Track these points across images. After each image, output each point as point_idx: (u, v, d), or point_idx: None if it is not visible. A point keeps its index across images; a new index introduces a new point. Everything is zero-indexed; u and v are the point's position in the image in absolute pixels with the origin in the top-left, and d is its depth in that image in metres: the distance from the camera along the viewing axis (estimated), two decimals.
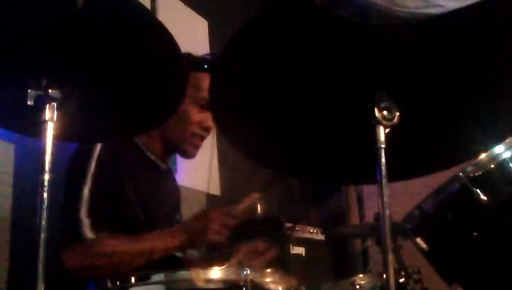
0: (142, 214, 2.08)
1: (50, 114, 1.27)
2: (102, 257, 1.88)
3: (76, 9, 1.20)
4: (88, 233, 1.88)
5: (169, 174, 2.37)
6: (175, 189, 2.40)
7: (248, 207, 2.13)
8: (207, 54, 2.34)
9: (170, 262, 2.02)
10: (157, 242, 1.97)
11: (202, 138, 2.26)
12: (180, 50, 1.30)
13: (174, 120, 2.02)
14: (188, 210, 2.91)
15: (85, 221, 1.88)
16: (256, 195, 2.15)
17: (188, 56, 2.16)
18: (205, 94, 2.07)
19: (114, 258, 1.90)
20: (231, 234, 2.03)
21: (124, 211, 2.03)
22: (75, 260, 1.88)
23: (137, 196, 2.07)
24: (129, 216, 2.04)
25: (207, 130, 2.23)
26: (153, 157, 2.22)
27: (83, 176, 1.94)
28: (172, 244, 1.99)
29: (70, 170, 2.01)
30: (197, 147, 2.27)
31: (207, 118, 2.18)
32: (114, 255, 1.90)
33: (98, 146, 1.98)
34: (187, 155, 2.28)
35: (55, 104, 1.28)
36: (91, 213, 1.90)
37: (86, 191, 1.92)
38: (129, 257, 1.91)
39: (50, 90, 1.28)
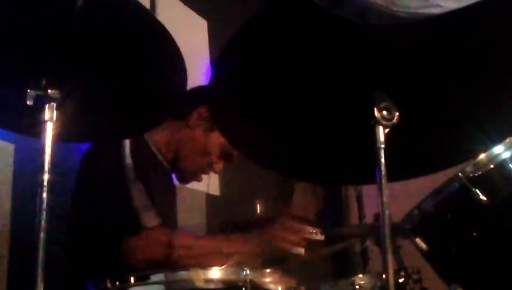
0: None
1: (50, 114, 1.27)
2: (181, 248, 1.89)
3: (76, 9, 1.20)
4: (151, 221, 1.90)
5: (170, 173, 2.38)
6: (174, 188, 2.43)
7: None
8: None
9: None
10: (237, 244, 1.98)
11: (207, 172, 2.32)
12: (179, 49, 1.30)
13: (189, 145, 2.20)
14: (188, 210, 2.91)
15: (143, 211, 1.91)
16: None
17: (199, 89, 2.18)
18: None
19: (193, 250, 1.92)
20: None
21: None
22: (145, 251, 1.89)
23: (149, 196, 2.07)
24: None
25: (230, 156, 2.28)
26: (160, 157, 2.25)
27: (122, 167, 1.98)
28: (251, 249, 1.98)
29: (104, 164, 2.03)
30: (198, 179, 2.33)
31: (219, 164, 2.27)
32: (194, 247, 1.93)
33: (127, 143, 2.02)
34: (181, 180, 2.34)
35: (55, 104, 1.28)
36: (144, 204, 1.92)
37: (132, 183, 1.96)
38: (206, 252, 1.94)
39: (49, 90, 1.28)
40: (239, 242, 1.99)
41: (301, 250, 2.03)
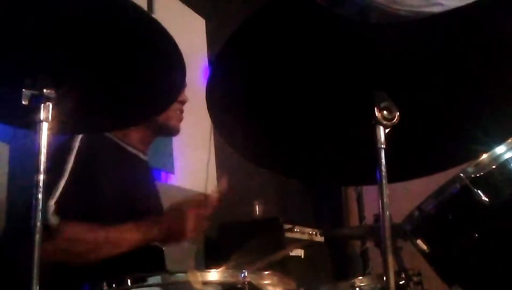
0: (123, 207, 2.09)
1: (45, 114, 1.26)
2: (65, 242, 1.86)
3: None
4: (52, 219, 1.85)
5: (148, 166, 2.39)
6: (154, 180, 2.43)
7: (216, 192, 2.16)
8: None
9: (150, 254, 2.04)
10: (127, 233, 1.98)
11: (181, 111, 2.33)
12: (177, 47, 1.29)
13: None
14: None
15: (51, 207, 1.86)
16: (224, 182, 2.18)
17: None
18: None
19: (76, 244, 1.90)
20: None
21: (102, 205, 2.03)
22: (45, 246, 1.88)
23: (118, 190, 2.08)
24: (108, 210, 2.04)
25: (183, 103, 2.31)
26: (130, 149, 2.25)
27: (63, 170, 1.95)
28: (142, 236, 1.99)
29: (50, 163, 2.01)
30: (180, 120, 2.34)
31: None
32: (77, 241, 1.91)
33: (78, 141, 2.00)
34: (175, 131, 2.34)
35: (50, 104, 1.26)
36: (59, 200, 1.89)
37: (62, 183, 1.92)
38: (93, 245, 1.92)
39: (45, 90, 1.26)
40: (130, 230, 1.99)
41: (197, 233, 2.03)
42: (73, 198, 1.93)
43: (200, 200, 2.11)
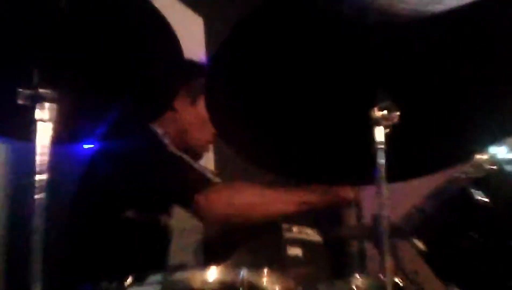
0: None
1: (41, 114, 1.25)
2: (225, 203, 1.99)
3: (60, 7, 1.18)
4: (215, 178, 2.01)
5: None
6: None
7: None
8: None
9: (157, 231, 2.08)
10: (286, 194, 2.08)
11: (211, 143, 2.45)
12: (178, 43, 1.28)
13: (198, 125, 2.26)
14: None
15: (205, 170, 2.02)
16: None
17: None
18: None
19: (258, 200, 2.04)
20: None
21: None
22: (219, 203, 1.99)
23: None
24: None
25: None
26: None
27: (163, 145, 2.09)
28: (299, 199, 2.09)
29: (141, 148, 2.06)
30: (207, 151, 2.46)
31: None
32: (261, 197, 2.04)
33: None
34: (197, 158, 2.39)
35: (47, 104, 1.26)
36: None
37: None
38: (253, 205, 2.04)
39: (41, 89, 1.26)
40: (289, 193, 2.08)
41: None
42: None
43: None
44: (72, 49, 1.29)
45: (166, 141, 2.24)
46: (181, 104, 2.28)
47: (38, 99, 1.26)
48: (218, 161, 3.34)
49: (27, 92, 1.26)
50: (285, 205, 2.04)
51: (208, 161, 3.21)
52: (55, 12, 1.21)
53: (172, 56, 1.33)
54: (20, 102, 1.25)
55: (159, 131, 2.23)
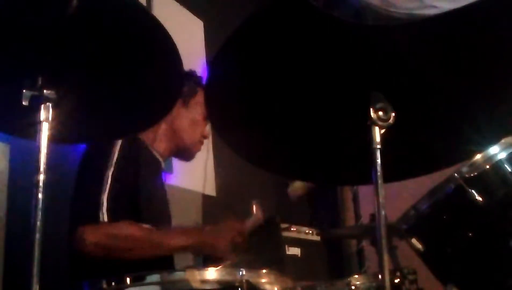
0: (145, 209, 2.14)
1: (45, 115, 1.26)
2: (119, 239, 1.96)
3: (71, 9, 1.19)
4: (104, 216, 1.95)
5: (162, 168, 2.44)
6: (165, 187, 2.48)
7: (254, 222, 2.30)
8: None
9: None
10: (171, 238, 2.07)
11: (202, 144, 2.48)
12: (176, 48, 1.29)
13: (189, 126, 2.35)
14: (184, 210, 2.90)
15: (105, 205, 1.96)
16: (259, 213, 2.33)
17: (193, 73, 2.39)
18: None
19: (129, 242, 1.98)
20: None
21: (135, 202, 2.10)
22: (96, 238, 1.94)
23: (144, 191, 2.15)
24: (137, 208, 2.11)
25: (206, 137, 2.48)
26: (155, 154, 2.33)
27: (108, 161, 2.04)
28: (186, 243, 2.07)
29: (94, 155, 2.11)
30: (199, 151, 2.49)
31: (208, 129, 2.43)
32: (131, 239, 1.99)
33: (118, 143, 2.09)
34: (190, 157, 2.49)
35: (50, 105, 1.27)
36: (110, 198, 1.98)
37: (109, 175, 2.01)
38: (145, 245, 2.01)
39: (45, 90, 1.27)
40: (175, 236, 2.09)
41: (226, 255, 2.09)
42: (122, 197, 2.02)
43: (242, 227, 2.22)
44: (76, 53, 1.30)
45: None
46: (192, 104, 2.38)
47: (42, 100, 1.27)
48: (218, 161, 3.35)
49: (32, 93, 1.27)
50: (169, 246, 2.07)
51: (208, 161, 3.22)
52: (60, 17, 1.22)
53: (171, 67, 1.35)
54: (24, 103, 1.26)
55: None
